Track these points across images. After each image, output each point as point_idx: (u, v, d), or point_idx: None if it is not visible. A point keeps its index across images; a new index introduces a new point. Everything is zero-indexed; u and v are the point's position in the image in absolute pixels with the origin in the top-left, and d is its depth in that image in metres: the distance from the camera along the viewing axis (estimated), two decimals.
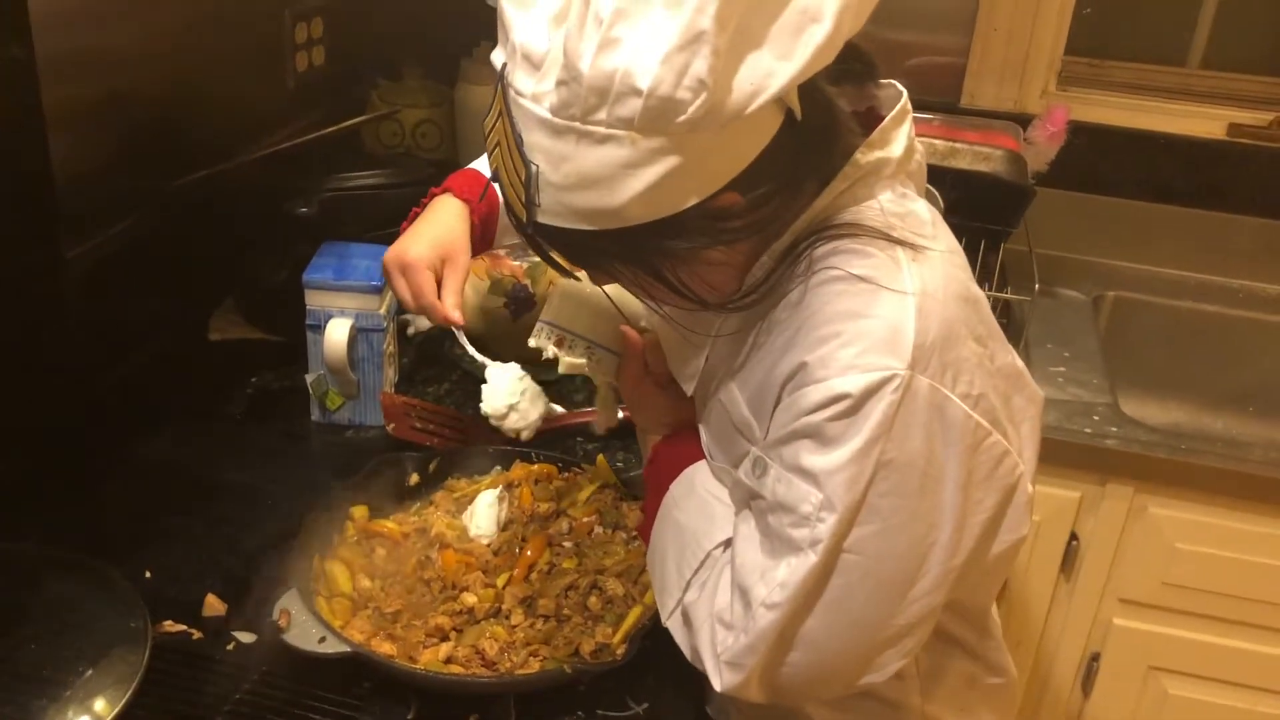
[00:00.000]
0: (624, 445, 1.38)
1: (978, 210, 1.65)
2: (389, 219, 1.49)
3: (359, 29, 1.90)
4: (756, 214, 0.79)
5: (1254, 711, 1.65)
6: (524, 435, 1.23)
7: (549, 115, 0.74)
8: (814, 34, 0.72)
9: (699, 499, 0.94)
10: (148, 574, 1.10)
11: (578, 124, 0.73)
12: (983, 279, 1.74)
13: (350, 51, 1.91)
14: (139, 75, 1.43)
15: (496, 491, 1.15)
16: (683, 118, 0.71)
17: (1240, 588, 1.58)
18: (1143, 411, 1.94)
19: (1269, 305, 1.96)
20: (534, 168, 0.76)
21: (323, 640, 0.97)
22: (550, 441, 1.34)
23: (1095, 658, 1.67)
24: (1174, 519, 1.55)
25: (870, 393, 0.76)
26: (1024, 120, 1.88)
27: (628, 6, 0.70)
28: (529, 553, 1.10)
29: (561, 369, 1.05)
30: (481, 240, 1.19)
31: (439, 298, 1.12)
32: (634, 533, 1.15)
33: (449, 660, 0.99)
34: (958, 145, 1.67)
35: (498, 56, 0.79)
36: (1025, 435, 0.86)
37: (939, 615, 0.84)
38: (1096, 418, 1.57)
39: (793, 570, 0.79)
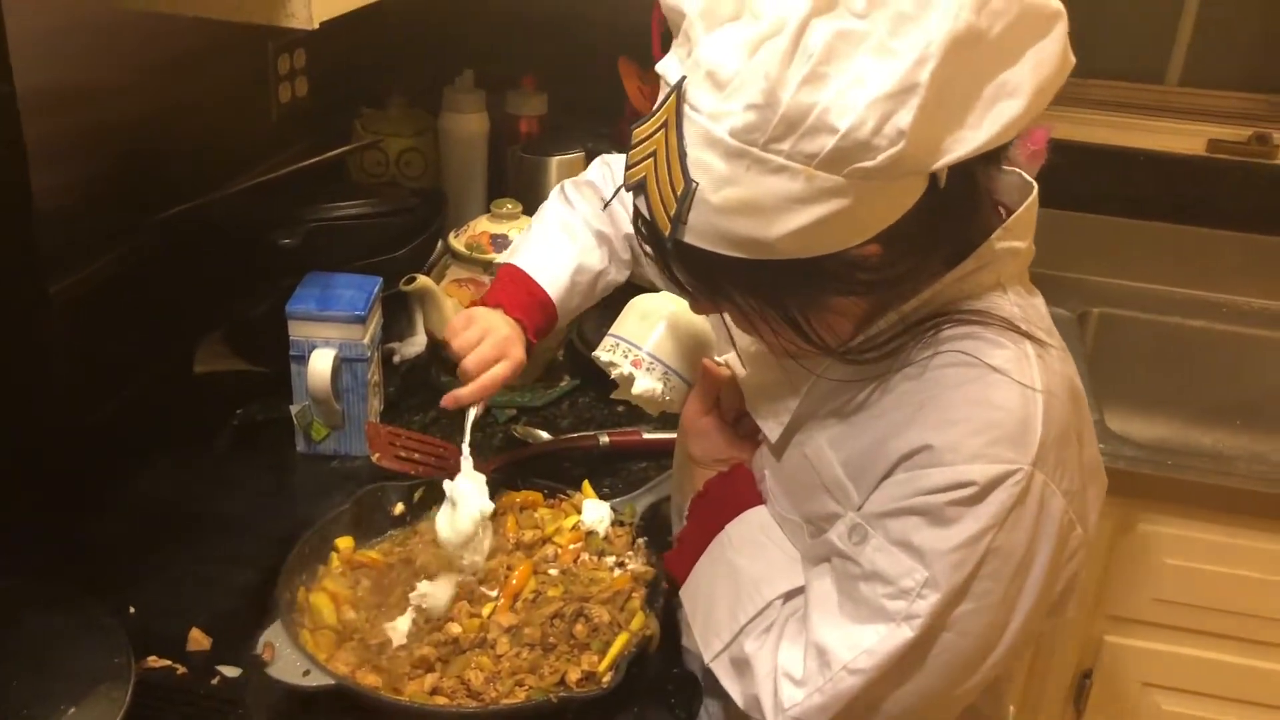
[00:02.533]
0: (611, 470, 1.38)
1: None
2: (373, 248, 1.51)
3: (342, 59, 1.91)
4: (890, 270, 0.80)
5: None
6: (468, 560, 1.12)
7: (726, 136, 0.74)
8: (1006, 109, 0.73)
9: (759, 545, 0.95)
10: (132, 609, 1.10)
11: (756, 149, 0.73)
12: None
13: (333, 82, 1.92)
14: (122, 109, 1.44)
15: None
16: (869, 164, 0.72)
17: (1230, 602, 1.58)
18: (1129, 427, 1.94)
19: (1252, 319, 1.97)
20: (694, 185, 0.76)
21: (307, 673, 0.97)
22: (537, 465, 1.34)
23: (1087, 675, 1.66)
24: (1162, 535, 1.56)
25: (995, 484, 0.78)
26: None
27: (840, 46, 0.71)
28: (514, 581, 1.09)
29: (636, 390, 1.03)
30: (537, 342, 1.20)
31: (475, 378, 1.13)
32: (620, 560, 1.14)
33: (434, 691, 0.99)
34: None
35: (671, 67, 0.80)
36: (1091, 525, 0.89)
37: None
38: None
39: (883, 640, 0.81)
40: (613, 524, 1.19)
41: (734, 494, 0.99)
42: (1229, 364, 1.94)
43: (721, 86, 0.74)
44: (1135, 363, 1.96)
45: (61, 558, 1.15)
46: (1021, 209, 0.87)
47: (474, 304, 1.22)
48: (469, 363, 1.13)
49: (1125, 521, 1.56)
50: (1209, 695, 1.64)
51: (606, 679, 1.00)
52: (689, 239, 0.79)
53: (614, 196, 1.08)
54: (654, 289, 1.29)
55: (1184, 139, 2.02)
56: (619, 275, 1.26)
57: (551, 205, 1.29)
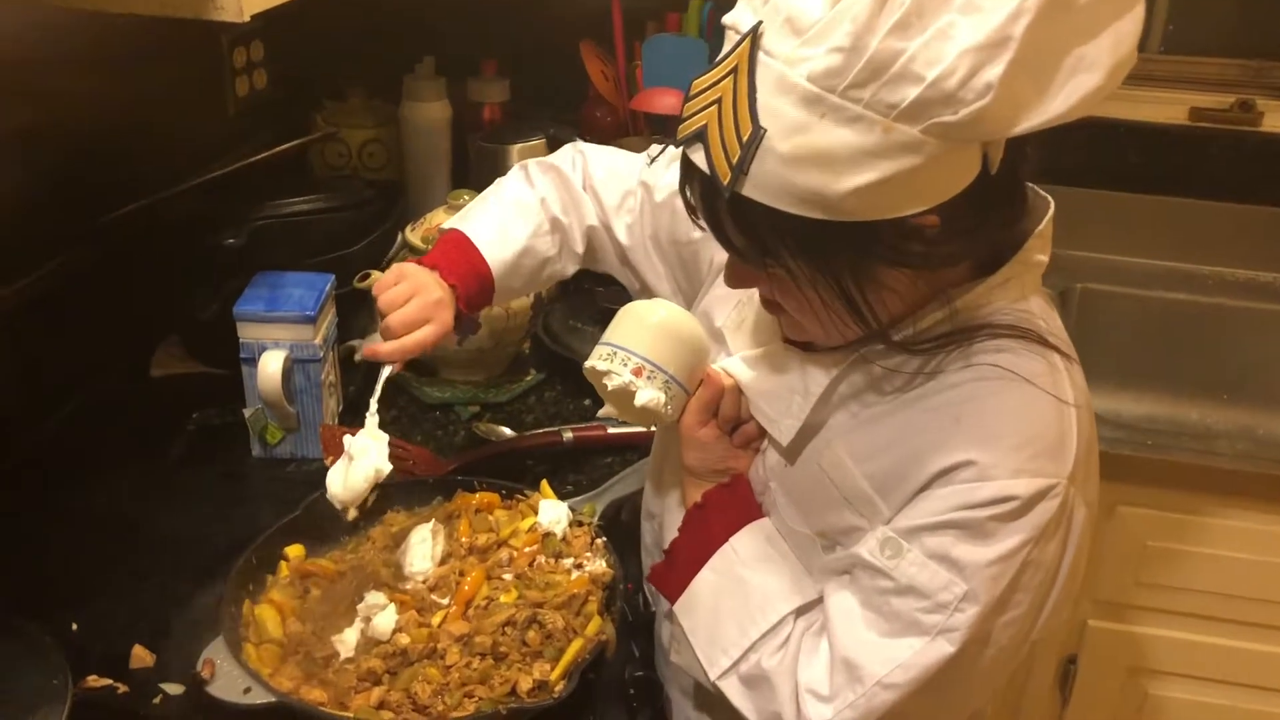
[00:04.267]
0: (575, 467, 1.35)
1: None
2: (326, 244, 1.47)
3: (301, 50, 1.87)
4: (942, 247, 0.79)
5: (1235, 708, 1.61)
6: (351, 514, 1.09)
7: (803, 81, 0.72)
8: (1084, 82, 0.72)
9: (768, 559, 0.93)
10: (75, 626, 1.07)
11: (833, 96, 0.72)
12: None
13: (293, 74, 1.88)
14: (65, 109, 1.40)
15: (429, 526, 1.12)
16: (950, 118, 0.70)
17: (1216, 584, 1.55)
18: (1116, 405, 1.91)
19: (1238, 291, 1.93)
20: (763, 131, 0.74)
21: (248, 690, 0.94)
22: (499, 465, 1.31)
23: (1072, 660, 1.63)
24: (1143, 516, 1.52)
25: (1037, 498, 0.78)
26: None
27: (932, 2, 0.69)
28: (466, 588, 1.06)
29: (639, 402, 0.96)
30: (466, 314, 1.13)
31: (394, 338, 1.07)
32: (579, 561, 1.11)
33: (381, 705, 0.95)
34: None
35: (744, 16, 0.78)
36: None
37: None
38: None
39: (918, 654, 0.81)
40: (571, 524, 1.16)
41: (737, 506, 0.96)
42: (1215, 337, 1.90)
43: (801, 32, 0.73)
44: (1119, 338, 1.92)
45: (4, 576, 1.12)
46: (1044, 223, 0.87)
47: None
48: (393, 320, 1.07)
49: (1105, 504, 1.52)
50: (1196, 678, 1.61)
51: (559, 688, 0.97)
52: (749, 192, 0.76)
53: (662, 151, 1.03)
54: (612, 281, 1.26)
55: (1165, 108, 1.97)
56: (567, 267, 1.21)
57: (511, 181, 1.21)
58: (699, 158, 0.79)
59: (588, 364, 0.99)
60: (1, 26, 1.27)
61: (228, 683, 0.95)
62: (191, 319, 1.45)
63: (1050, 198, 0.88)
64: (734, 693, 0.90)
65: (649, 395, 0.96)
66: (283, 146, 1.46)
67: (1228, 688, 1.61)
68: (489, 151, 1.74)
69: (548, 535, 1.14)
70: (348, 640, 1.02)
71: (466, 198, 1.50)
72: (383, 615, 1.02)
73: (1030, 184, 0.88)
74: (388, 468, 1.05)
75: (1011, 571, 0.79)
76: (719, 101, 0.77)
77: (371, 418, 1.08)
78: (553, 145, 1.73)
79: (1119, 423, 1.59)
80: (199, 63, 1.70)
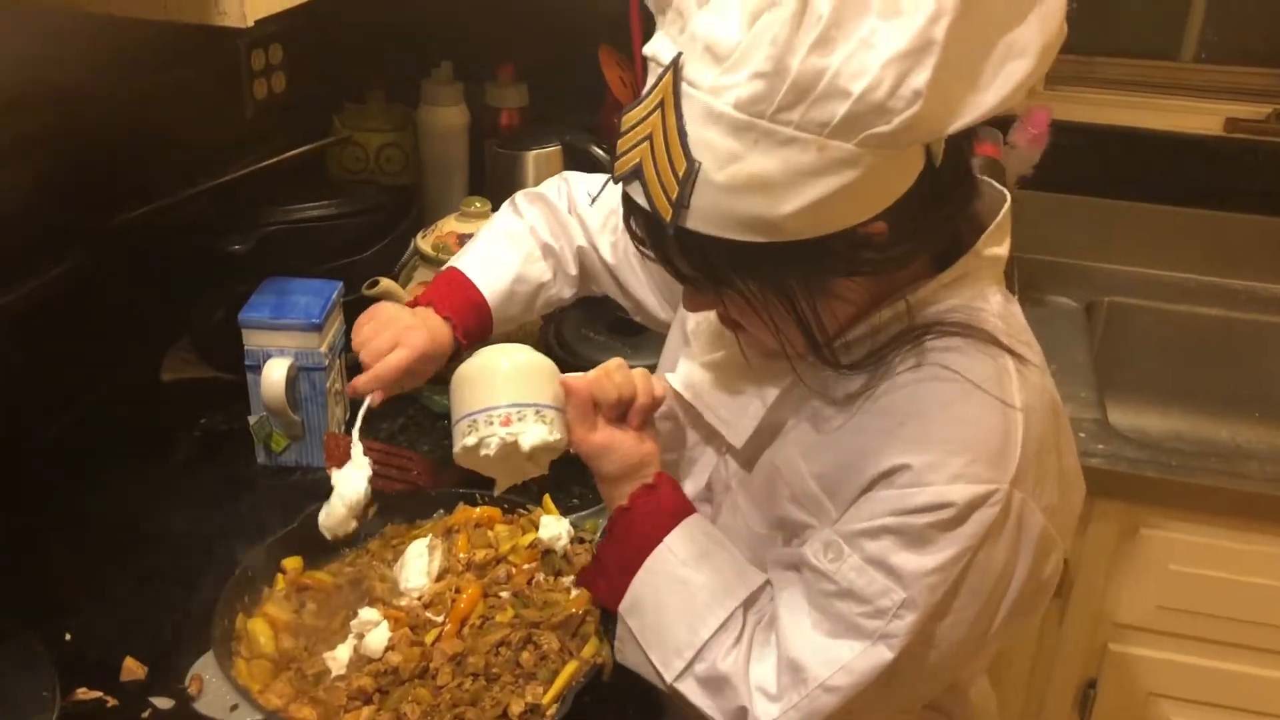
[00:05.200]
0: (583, 479, 1.33)
1: None
2: (336, 250, 1.46)
3: (321, 53, 1.86)
4: (894, 250, 0.78)
5: None
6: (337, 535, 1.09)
7: (730, 109, 0.71)
8: (1015, 69, 0.71)
9: (707, 554, 0.92)
10: (69, 636, 1.06)
11: (763, 121, 0.71)
12: None
13: (313, 76, 1.87)
14: (82, 112, 1.40)
15: (426, 541, 1.10)
16: (884, 129, 0.69)
17: (1241, 610, 1.50)
18: (1143, 422, 1.87)
19: (1272, 306, 1.88)
20: (697, 165, 0.73)
21: (235, 708, 0.93)
22: None
23: (1091, 684, 1.59)
24: (1167, 539, 1.48)
25: (975, 505, 0.77)
26: (1010, 123, 1.81)
27: (847, 13, 0.68)
28: (461, 605, 1.04)
29: (527, 445, 0.93)
30: (469, 346, 1.15)
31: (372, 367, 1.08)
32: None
33: None
34: None
35: (663, 47, 0.76)
36: (1070, 532, 0.88)
37: None
38: (1082, 434, 1.49)
39: (859, 658, 0.80)
40: (572, 541, 1.13)
41: (664, 505, 0.94)
42: (1247, 353, 1.85)
43: (722, 59, 0.71)
44: (1147, 354, 1.88)
45: (3, 580, 1.11)
46: (1000, 215, 0.85)
47: (410, 304, 1.18)
48: (363, 355, 1.09)
49: (1127, 525, 1.48)
50: (1219, 706, 1.57)
51: (551, 711, 0.95)
52: (692, 224, 0.75)
53: (602, 189, 1.05)
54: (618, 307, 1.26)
55: (1200, 118, 1.92)
56: (565, 290, 1.24)
57: (500, 215, 1.26)
58: (638, 195, 0.78)
59: (456, 449, 0.98)
60: (19, 30, 1.28)
61: (215, 699, 0.94)
62: (198, 323, 1.44)
63: (1006, 191, 0.86)
64: (694, 694, 0.89)
65: (533, 433, 0.94)
66: (293, 152, 1.46)
67: (1252, 717, 1.56)
68: (505, 157, 1.72)
69: (548, 552, 1.11)
70: (340, 657, 1.00)
71: (478, 205, 1.49)
72: (375, 632, 1.00)
73: (986, 178, 0.86)
74: (363, 491, 1.05)
75: (951, 579, 0.78)
76: (650, 138, 0.75)
77: (355, 447, 1.08)
78: (568, 152, 1.71)
79: (1144, 441, 1.55)
80: (216, 66, 1.69)
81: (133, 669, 1.02)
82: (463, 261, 1.19)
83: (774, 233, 0.74)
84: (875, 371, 0.84)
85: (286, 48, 1.80)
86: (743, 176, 0.72)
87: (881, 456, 0.80)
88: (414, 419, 1.46)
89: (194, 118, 1.63)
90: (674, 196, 0.74)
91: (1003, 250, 0.86)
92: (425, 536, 1.11)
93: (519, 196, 1.26)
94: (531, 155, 1.70)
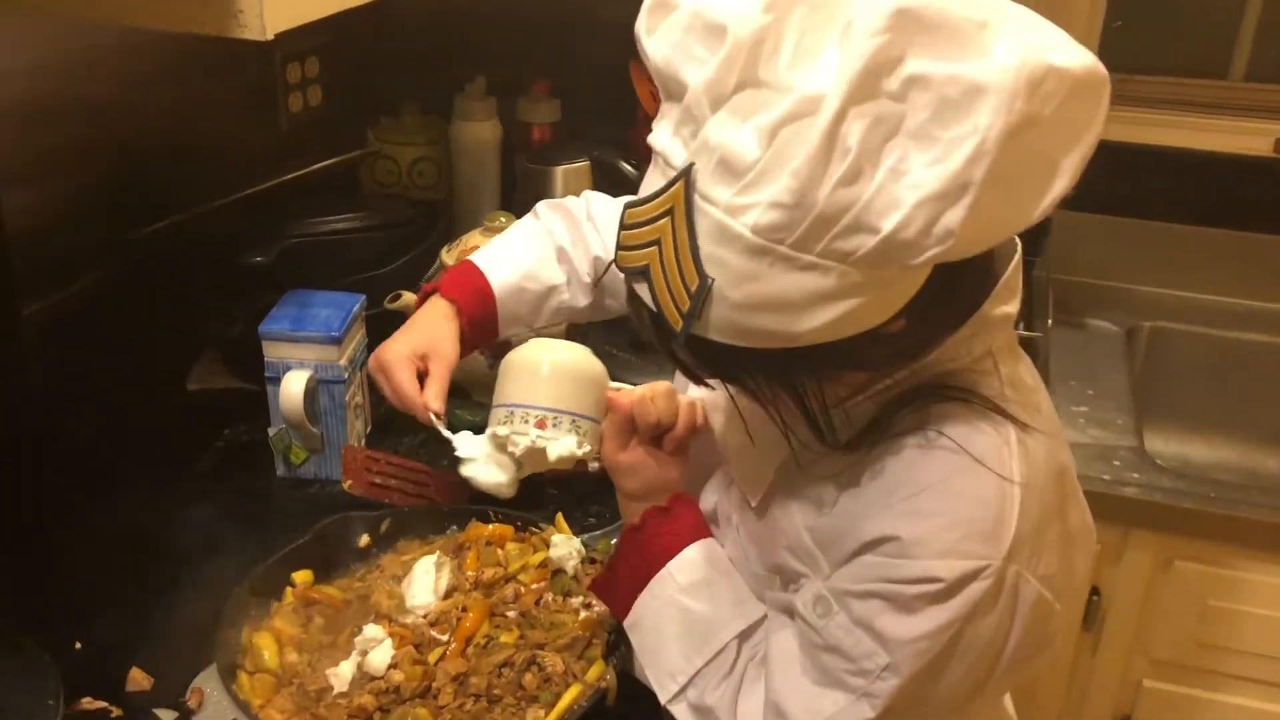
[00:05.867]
0: (600, 498, 1.31)
1: None
2: (361, 264, 1.46)
3: (357, 66, 1.87)
4: (909, 341, 0.75)
5: None
6: (505, 493, 1.11)
7: (747, 233, 0.67)
8: (1055, 189, 0.67)
9: (707, 583, 0.91)
10: (78, 645, 1.06)
11: (782, 248, 0.67)
12: None
13: (348, 90, 1.88)
14: (117, 123, 1.42)
15: (434, 558, 1.09)
16: (914, 261, 0.66)
17: None
18: (1186, 451, 1.82)
19: None
20: (710, 281, 0.69)
21: None
22: (521, 494, 1.27)
23: None
24: (1204, 573, 1.43)
25: (964, 581, 0.75)
26: None
27: (877, 135, 0.64)
28: (467, 624, 1.03)
29: (554, 455, 0.95)
30: (475, 337, 1.18)
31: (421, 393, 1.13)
32: (588, 600, 1.07)
33: None
34: None
35: (673, 148, 0.72)
36: (1076, 590, 0.84)
37: None
38: (1117, 463, 1.45)
39: (841, 712, 0.79)
40: (583, 561, 1.12)
41: (676, 528, 0.93)
42: None
43: (739, 175, 0.67)
44: (1190, 380, 1.83)
45: (18, 588, 1.12)
46: (1009, 272, 0.80)
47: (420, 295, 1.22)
48: (404, 401, 1.13)
49: (1162, 557, 1.44)
50: None
51: None
52: (701, 332, 0.72)
53: (607, 269, 1.04)
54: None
55: (1249, 138, 1.87)
56: (579, 299, 1.23)
57: (522, 220, 1.28)
58: (645, 295, 0.75)
59: (488, 431, 0.97)
60: (54, 42, 1.29)
61: (216, 712, 0.94)
62: (220, 335, 1.45)
63: (1017, 240, 0.81)
64: (685, 718, 0.90)
65: (563, 445, 0.94)
66: (320, 165, 1.46)
67: None
68: (534, 172, 1.72)
69: (558, 572, 1.10)
70: (343, 674, 0.99)
71: (503, 219, 1.49)
72: (378, 650, 1.00)
73: None
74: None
75: (939, 647, 0.75)
76: (659, 243, 0.72)
77: (460, 439, 1.09)
78: (596, 168, 1.71)
79: (1182, 471, 1.50)
80: (252, 79, 1.70)
81: (138, 679, 1.02)
82: (476, 254, 1.21)
83: (790, 341, 0.71)
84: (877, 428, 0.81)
85: (322, 61, 1.81)
86: (758, 296, 0.69)
87: (871, 522, 0.78)
88: (433, 435, 1.43)
89: (229, 130, 1.64)
90: (684, 309, 0.71)
91: (1012, 309, 0.81)
92: (434, 554, 1.10)
93: (540, 204, 1.27)
94: (560, 170, 1.69)
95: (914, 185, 0.64)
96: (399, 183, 1.84)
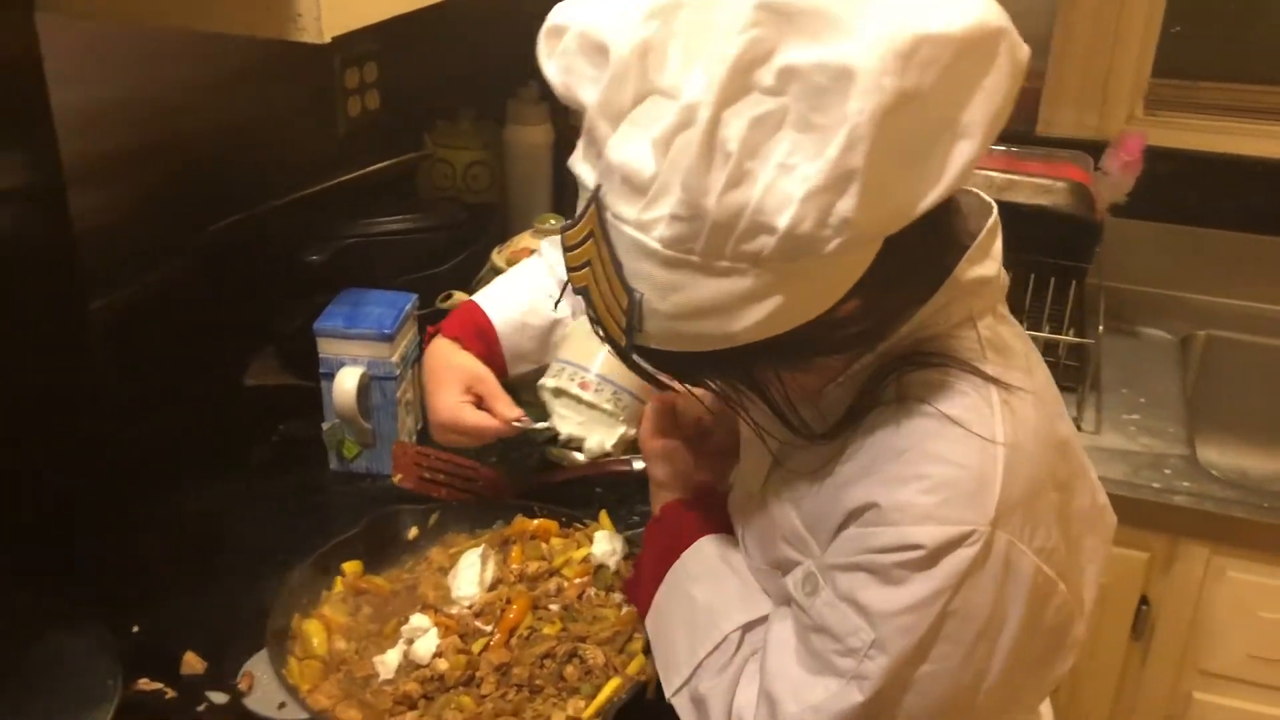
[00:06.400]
0: (645, 497, 1.32)
1: (1038, 246, 1.55)
2: (415, 264, 1.49)
3: (414, 71, 1.91)
4: (874, 316, 0.74)
5: None
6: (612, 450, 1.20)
7: (659, 246, 0.68)
8: (962, 151, 0.65)
9: (716, 574, 0.91)
10: (136, 628, 1.10)
11: (694, 257, 0.67)
12: (1052, 318, 1.63)
13: (406, 94, 1.92)
14: (176, 126, 1.46)
15: (480, 550, 1.11)
16: (821, 252, 0.65)
17: None
18: (1243, 462, 1.79)
19: None
20: (637, 295, 0.70)
21: (283, 706, 0.95)
22: (567, 491, 1.29)
23: None
24: (1256, 584, 1.41)
25: (947, 548, 0.71)
26: (1101, 148, 1.75)
27: (758, 134, 0.64)
28: (510, 616, 1.05)
29: (584, 417, 0.99)
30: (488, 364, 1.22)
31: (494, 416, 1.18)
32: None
33: None
34: (1016, 178, 1.57)
35: (582, 169, 0.74)
36: (1090, 577, 0.81)
37: None
38: (1168, 471, 1.44)
39: (831, 698, 0.76)
40: (625, 557, 1.14)
41: (692, 521, 0.94)
42: None
43: (642, 191, 0.67)
44: (1246, 390, 1.80)
45: (82, 573, 1.16)
46: (983, 234, 0.78)
47: (431, 331, 1.27)
48: (488, 434, 1.20)
49: (1213, 567, 1.42)
50: None
51: None
52: (648, 342, 0.73)
53: (562, 293, 1.03)
54: None
55: None
56: None
57: (525, 260, 1.32)
58: (592, 313, 0.76)
59: (541, 382, 1.01)
60: (126, 46, 1.34)
61: (265, 696, 0.97)
62: (281, 332, 1.49)
63: (993, 202, 0.79)
64: (685, 712, 0.89)
65: (598, 410, 0.96)
66: (374, 167, 1.49)
67: None
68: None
69: (600, 567, 1.12)
70: (389, 661, 1.02)
71: (553, 221, 1.51)
72: (424, 639, 1.02)
73: (969, 189, 0.79)
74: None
75: (927, 622, 0.72)
76: (590, 264, 0.73)
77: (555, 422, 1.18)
78: None
79: (1237, 481, 1.48)
80: (312, 83, 1.74)
81: (192, 663, 1.05)
82: (478, 294, 1.25)
83: (732, 341, 0.70)
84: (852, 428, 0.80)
85: (380, 67, 1.85)
86: (687, 305, 0.69)
87: (853, 494, 0.76)
88: None
89: (290, 134, 1.68)
90: (623, 324, 0.72)
91: (986, 270, 0.78)
92: (480, 547, 1.12)
93: (544, 241, 1.31)
94: None
95: (802, 179, 0.63)
96: (454, 186, 1.88)
